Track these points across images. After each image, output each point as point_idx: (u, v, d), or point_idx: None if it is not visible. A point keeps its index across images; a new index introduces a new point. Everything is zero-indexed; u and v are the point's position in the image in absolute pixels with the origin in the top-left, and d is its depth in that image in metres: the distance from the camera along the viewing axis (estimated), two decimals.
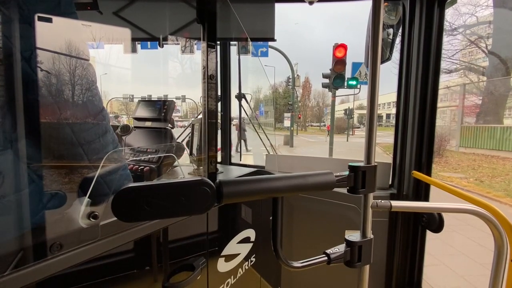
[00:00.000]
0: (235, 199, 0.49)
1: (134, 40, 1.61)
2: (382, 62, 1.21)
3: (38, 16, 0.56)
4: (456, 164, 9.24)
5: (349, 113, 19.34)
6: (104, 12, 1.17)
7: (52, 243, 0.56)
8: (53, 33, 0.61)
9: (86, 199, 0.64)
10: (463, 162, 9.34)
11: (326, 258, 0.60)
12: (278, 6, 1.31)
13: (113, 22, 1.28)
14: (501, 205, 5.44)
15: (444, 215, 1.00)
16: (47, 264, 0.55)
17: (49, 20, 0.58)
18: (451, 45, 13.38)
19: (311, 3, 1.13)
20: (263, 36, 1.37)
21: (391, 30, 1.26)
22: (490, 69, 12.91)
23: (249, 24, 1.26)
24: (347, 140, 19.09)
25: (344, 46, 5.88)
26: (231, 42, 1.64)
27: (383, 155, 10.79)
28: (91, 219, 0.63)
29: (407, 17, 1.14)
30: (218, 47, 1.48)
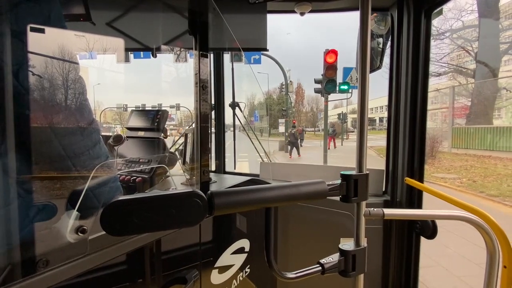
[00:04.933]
0: (227, 210, 0.49)
1: (127, 50, 1.61)
2: (373, 71, 1.24)
3: (29, 29, 0.56)
4: (449, 165, 9.39)
5: (342, 117, 19.52)
6: (97, 23, 1.16)
7: (38, 260, 0.54)
8: (43, 46, 0.60)
9: (74, 213, 0.63)
10: (455, 163, 9.50)
11: (320, 268, 0.59)
12: (270, 16, 1.33)
13: (106, 32, 1.28)
14: (494, 204, 5.52)
15: None
16: (32, 282, 0.53)
17: (40, 32, 0.58)
18: (438, 49, 13.75)
19: (302, 14, 1.15)
20: (256, 46, 1.38)
21: (381, 40, 1.29)
22: (478, 75, 13.31)
23: (242, 35, 1.27)
24: (342, 144, 19.23)
25: (334, 52, 5.99)
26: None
27: (378, 158, 10.90)
28: (79, 233, 0.62)
29: (395, 26, 1.17)
30: (212, 55, 1.49)
